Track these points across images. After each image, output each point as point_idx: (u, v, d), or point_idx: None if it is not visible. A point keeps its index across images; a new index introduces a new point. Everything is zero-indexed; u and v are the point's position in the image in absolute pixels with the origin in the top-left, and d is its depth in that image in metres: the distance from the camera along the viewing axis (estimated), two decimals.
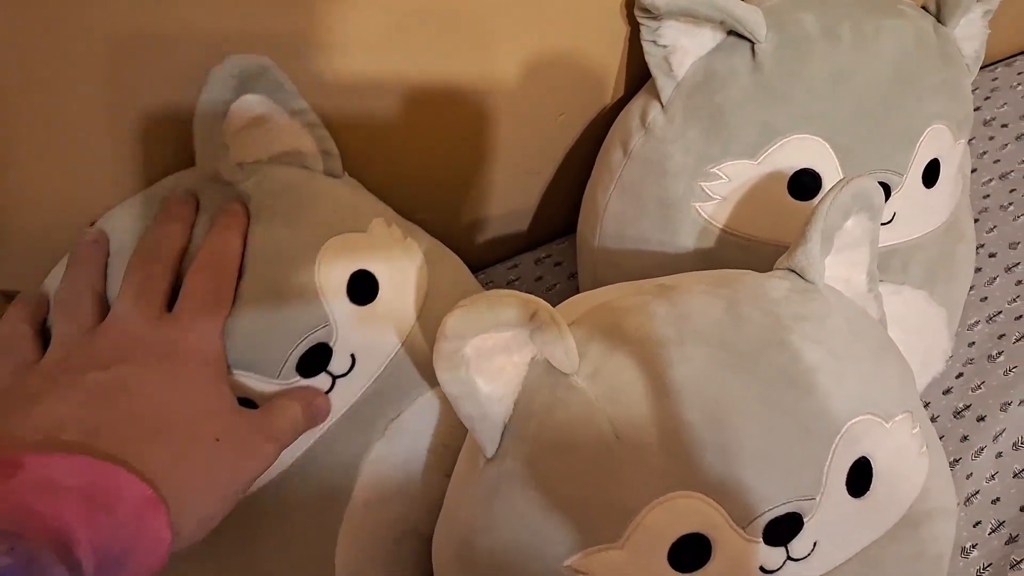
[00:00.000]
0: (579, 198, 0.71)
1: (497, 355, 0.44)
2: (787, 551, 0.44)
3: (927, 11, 0.62)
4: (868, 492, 0.45)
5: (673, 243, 0.61)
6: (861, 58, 0.57)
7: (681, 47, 0.59)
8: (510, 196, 0.76)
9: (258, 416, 0.44)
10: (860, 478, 0.45)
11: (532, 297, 0.42)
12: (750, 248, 0.59)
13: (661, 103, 0.61)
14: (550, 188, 0.77)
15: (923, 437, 0.49)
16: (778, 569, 0.44)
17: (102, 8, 0.45)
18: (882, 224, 0.59)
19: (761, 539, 0.43)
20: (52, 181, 0.51)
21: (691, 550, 0.42)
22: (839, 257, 0.50)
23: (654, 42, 0.60)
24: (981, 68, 0.95)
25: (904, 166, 0.58)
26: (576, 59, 0.66)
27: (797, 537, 0.43)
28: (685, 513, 0.42)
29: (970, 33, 0.63)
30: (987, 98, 0.94)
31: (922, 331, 0.64)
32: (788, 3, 0.59)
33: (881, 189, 0.49)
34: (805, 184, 0.58)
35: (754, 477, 0.42)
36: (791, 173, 0.58)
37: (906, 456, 0.48)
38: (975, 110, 0.94)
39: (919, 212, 0.61)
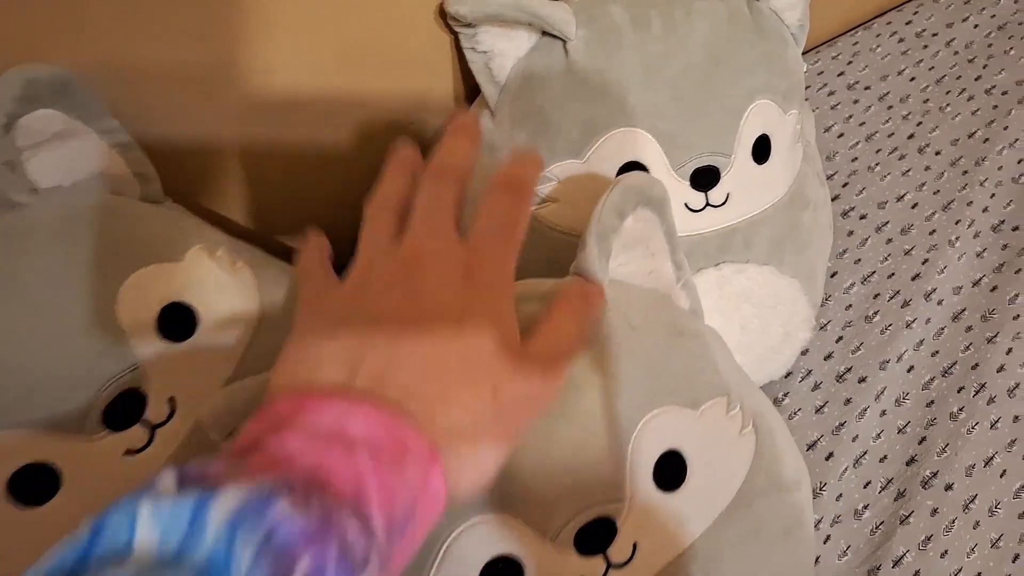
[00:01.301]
0: None
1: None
2: (606, 559, 0.44)
3: None
4: (683, 484, 0.45)
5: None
6: (672, 45, 0.57)
7: (499, 51, 0.59)
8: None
9: (535, 353, 0.35)
10: (671, 472, 0.45)
11: None
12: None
13: (490, 110, 0.61)
14: None
15: (746, 418, 0.49)
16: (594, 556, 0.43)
17: None
18: (716, 206, 0.60)
19: (573, 547, 0.42)
20: None
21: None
22: (633, 252, 0.50)
23: (473, 49, 0.60)
24: (842, 34, 0.97)
25: (731, 146, 0.59)
26: (409, 79, 0.66)
27: (614, 543, 0.43)
28: (490, 536, 0.41)
29: (790, 2, 0.64)
30: (849, 62, 0.96)
31: (776, 303, 0.64)
32: None
33: (658, 182, 0.49)
34: None
35: (548, 490, 0.42)
36: (617, 167, 0.58)
37: (723, 442, 0.48)
38: (839, 76, 0.95)
39: (754, 189, 0.61)
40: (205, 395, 0.49)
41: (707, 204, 0.59)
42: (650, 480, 0.44)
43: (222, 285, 0.51)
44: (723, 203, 0.60)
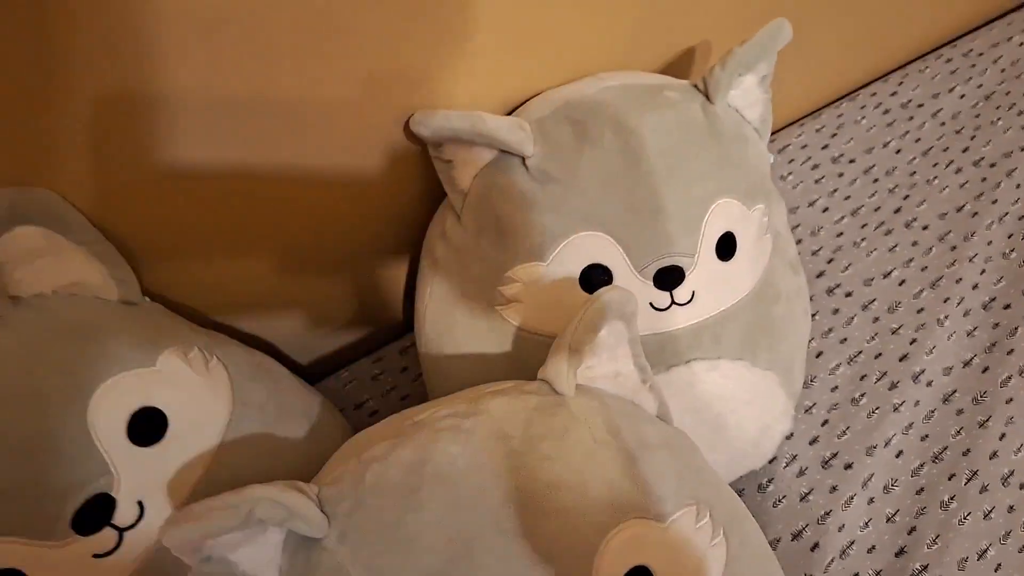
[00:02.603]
0: None
1: (245, 540, 0.44)
2: None
3: (698, 89, 0.63)
4: None
5: (484, 348, 0.62)
6: (626, 159, 0.58)
7: (461, 162, 0.61)
8: (359, 307, 0.77)
9: None
10: None
11: (250, 495, 0.42)
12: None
13: (457, 215, 0.63)
14: (395, 289, 0.78)
15: (716, 527, 0.49)
16: None
17: None
18: (682, 304, 0.60)
19: None
20: None
21: None
22: (601, 358, 0.51)
23: (439, 158, 0.62)
24: (827, 105, 0.97)
25: (693, 247, 0.59)
26: (385, 183, 0.68)
27: None
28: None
29: (749, 101, 0.64)
30: (834, 135, 0.96)
31: (752, 400, 0.64)
32: (555, 114, 0.61)
33: (633, 296, 0.50)
34: (596, 278, 0.59)
35: None
36: (580, 269, 0.58)
37: (691, 556, 0.47)
38: (823, 149, 0.95)
39: (720, 286, 0.61)
40: (175, 497, 0.50)
41: (672, 303, 0.59)
42: None
43: (194, 387, 0.53)
44: (688, 301, 0.60)
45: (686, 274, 0.59)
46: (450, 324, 0.64)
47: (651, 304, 0.59)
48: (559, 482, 0.45)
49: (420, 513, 0.44)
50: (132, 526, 0.48)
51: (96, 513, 0.47)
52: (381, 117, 0.62)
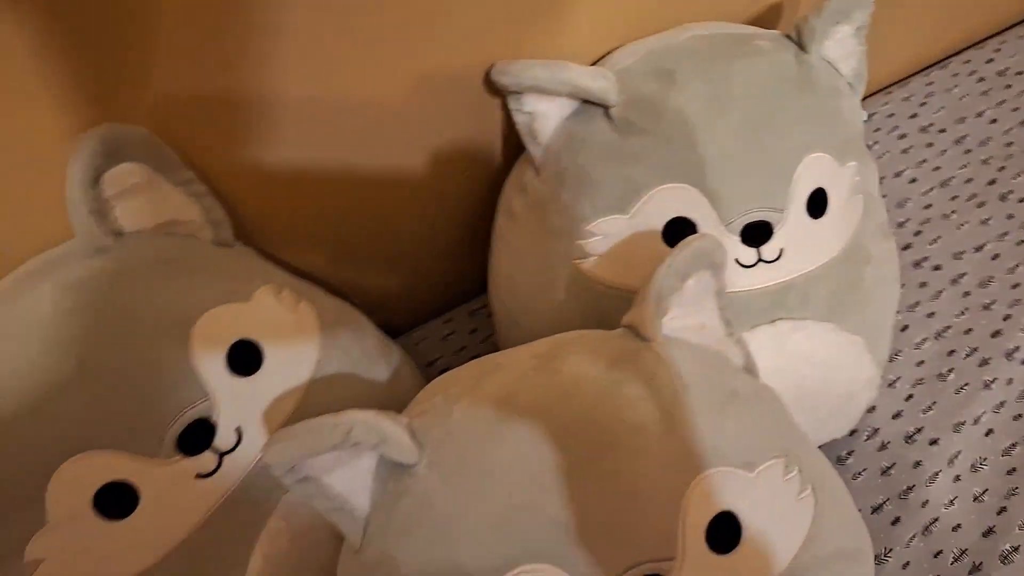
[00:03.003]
0: None
1: (339, 462, 0.45)
2: None
3: (791, 39, 0.61)
4: (736, 548, 0.44)
5: (561, 302, 0.61)
6: (714, 108, 0.57)
7: (542, 114, 0.60)
8: (430, 265, 0.77)
9: None
10: (724, 535, 0.44)
11: (349, 418, 0.43)
12: (632, 301, 0.58)
13: (535, 167, 0.62)
14: (471, 248, 0.78)
15: (804, 481, 0.47)
16: None
17: None
18: (770, 261, 0.58)
19: None
20: None
21: None
22: (686, 309, 0.50)
23: (519, 111, 0.61)
24: (915, 73, 0.93)
25: (783, 201, 0.57)
26: (461, 134, 0.67)
27: None
28: None
29: (844, 53, 0.62)
30: (923, 104, 0.92)
31: (838, 363, 0.61)
32: (639, 63, 0.59)
33: (722, 245, 0.49)
34: (679, 232, 0.57)
35: (595, 547, 0.42)
36: (664, 222, 0.57)
37: (779, 504, 0.46)
38: (912, 118, 0.91)
39: (810, 244, 0.59)
40: (270, 426, 0.53)
41: (759, 260, 0.58)
42: (703, 541, 0.43)
43: (286, 324, 0.56)
44: (776, 258, 0.58)
45: (774, 230, 0.57)
46: (526, 277, 0.63)
47: (737, 260, 0.57)
48: (645, 424, 0.45)
49: (506, 445, 0.44)
50: (230, 451, 0.51)
51: (199, 436, 0.50)
52: (465, 71, 0.62)
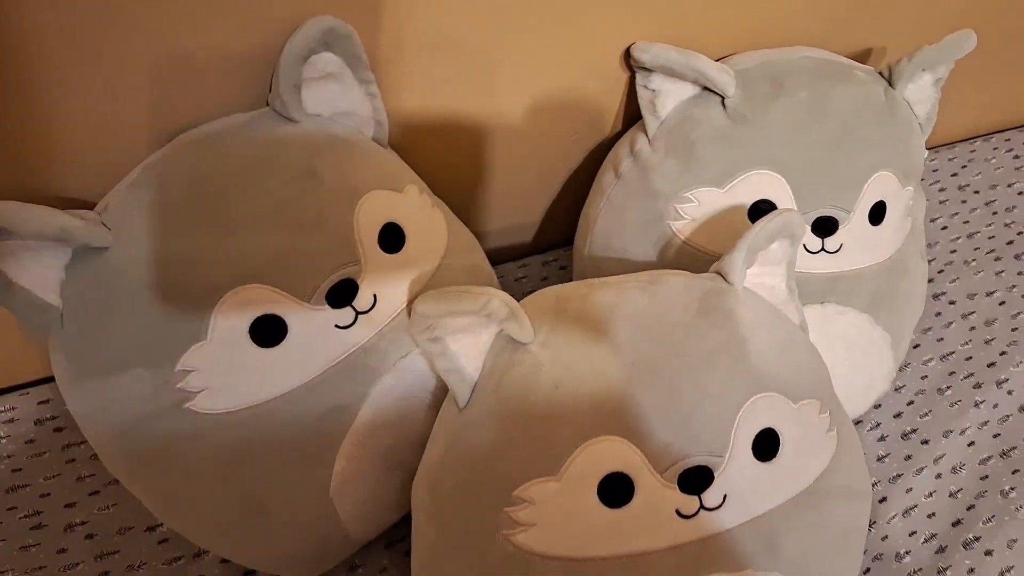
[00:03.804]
0: (577, 212, 0.82)
1: (465, 329, 0.54)
2: (700, 501, 0.53)
3: (882, 76, 0.72)
4: (774, 459, 0.54)
5: (648, 254, 0.71)
6: (814, 114, 0.68)
7: (665, 92, 0.71)
8: (521, 208, 0.88)
9: None
10: (766, 445, 0.54)
11: (488, 292, 0.52)
12: (711, 262, 0.68)
13: (648, 137, 0.72)
14: (555, 203, 0.89)
15: (832, 423, 0.58)
16: (692, 515, 0.53)
17: None
18: (830, 252, 0.69)
19: (676, 486, 0.52)
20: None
21: (616, 487, 0.52)
22: (764, 269, 0.61)
23: (645, 87, 0.72)
24: (962, 141, 1.05)
25: (851, 204, 0.68)
26: (583, 98, 0.78)
27: (709, 488, 0.53)
28: (611, 454, 0.52)
29: (921, 97, 0.73)
30: (964, 167, 1.04)
31: (867, 350, 0.73)
32: (757, 69, 0.70)
33: (803, 222, 0.59)
34: (762, 211, 0.67)
35: (668, 431, 0.52)
36: (752, 202, 0.68)
37: (811, 434, 0.57)
38: (952, 176, 1.03)
39: (864, 246, 0.70)
40: (400, 298, 0.61)
41: (822, 249, 0.69)
42: (749, 447, 0.53)
43: (426, 217, 0.64)
44: (836, 251, 0.69)
45: (839, 226, 0.68)
46: (620, 228, 0.73)
47: (804, 245, 0.68)
48: (722, 347, 0.55)
49: (611, 337, 0.54)
50: (366, 312, 0.59)
51: (344, 293, 0.58)
52: (605, 51, 0.73)
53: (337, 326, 0.58)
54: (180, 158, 0.58)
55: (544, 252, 0.94)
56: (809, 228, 0.68)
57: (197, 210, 0.56)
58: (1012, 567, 0.74)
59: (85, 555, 0.69)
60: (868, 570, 0.74)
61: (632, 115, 0.79)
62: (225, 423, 0.56)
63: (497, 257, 0.91)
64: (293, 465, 0.58)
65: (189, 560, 0.69)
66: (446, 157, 0.76)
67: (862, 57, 0.86)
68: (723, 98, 0.69)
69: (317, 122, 0.62)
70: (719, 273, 0.60)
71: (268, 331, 0.56)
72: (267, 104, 0.62)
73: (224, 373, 0.56)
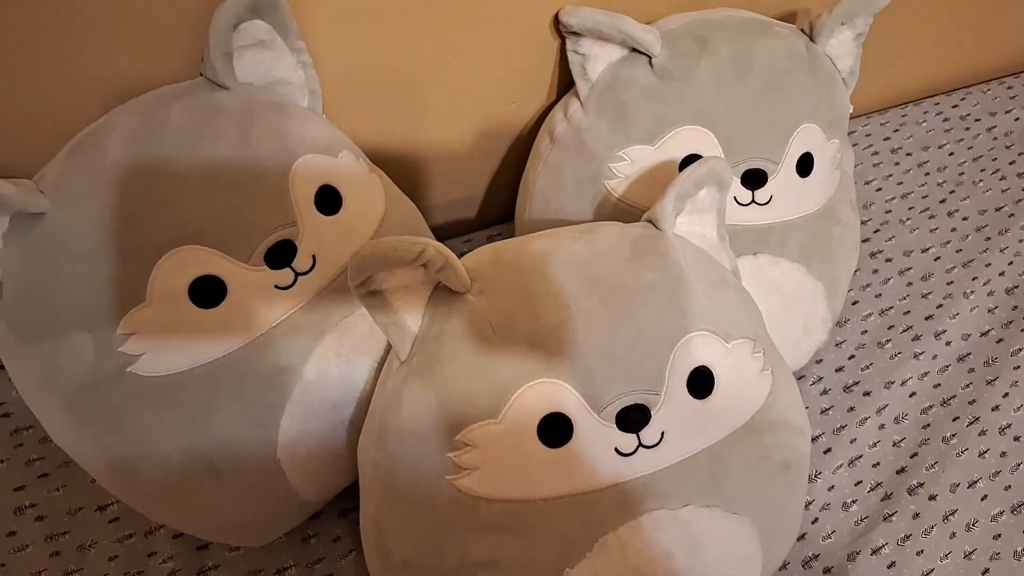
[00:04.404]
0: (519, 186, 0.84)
1: (403, 283, 0.55)
2: (639, 439, 0.54)
3: (803, 32, 0.75)
4: (709, 396, 0.56)
5: (585, 213, 0.73)
6: (737, 70, 0.70)
7: (594, 56, 0.73)
8: (463, 181, 0.89)
9: None
10: (700, 383, 0.56)
11: (423, 241, 0.52)
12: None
13: (580, 100, 0.74)
14: (497, 176, 0.90)
15: (766, 362, 0.60)
16: (631, 453, 0.54)
17: None
18: (761, 204, 0.71)
19: (614, 424, 0.53)
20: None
21: (556, 427, 0.53)
22: (693, 217, 0.63)
23: (575, 51, 0.74)
24: (894, 106, 1.09)
25: (779, 156, 0.70)
26: (519, 67, 0.79)
27: (647, 427, 0.54)
28: (548, 395, 0.53)
29: (843, 51, 0.76)
30: (896, 130, 1.07)
31: (800, 299, 0.75)
32: (682, 28, 0.73)
33: (729, 168, 0.61)
34: None
35: (604, 370, 0.53)
36: (682, 156, 0.70)
37: (746, 373, 0.58)
38: (885, 140, 1.06)
39: (794, 197, 0.72)
40: (338, 260, 0.61)
41: (752, 201, 0.71)
42: (684, 385, 0.55)
43: (362, 184, 0.65)
44: (766, 203, 0.71)
45: (768, 178, 0.70)
46: (557, 191, 0.75)
47: (735, 198, 0.70)
48: (656, 285, 0.56)
49: (546, 283, 0.55)
50: (305, 273, 0.60)
51: (282, 254, 0.58)
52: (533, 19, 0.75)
53: (277, 287, 0.59)
54: (117, 126, 0.59)
55: (489, 227, 0.96)
56: (739, 181, 0.70)
57: (134, 174, 0.56)
58: (955, 510, 0.76)
59: (35, 537, 0.68)
60: (816, 520, 0.76)
61: (566, 82, 0.81)
62: (169, 386, 0.57)
63: (442, 233, 0.93)
64: (239, 427, 0.58)
65: (141, 537, 0.69)
66: (381, 127, 0.77)
67: (787, 19, 0.88)
68: (650, 58, 0.71)
69: (250, 90, 0.63)
70: (650, 221, 0.62)
71: (207, 292, 0.57)
72: (200, 74, 0.63)
73: (165, 335, 0.56)
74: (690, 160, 0.70)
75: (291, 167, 0.60)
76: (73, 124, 0.61)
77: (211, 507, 0.61)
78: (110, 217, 0.55)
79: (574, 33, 0.73)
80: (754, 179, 0.70)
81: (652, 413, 0.54)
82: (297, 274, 0.59)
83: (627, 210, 0.71)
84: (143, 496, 0.60)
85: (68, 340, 0.55)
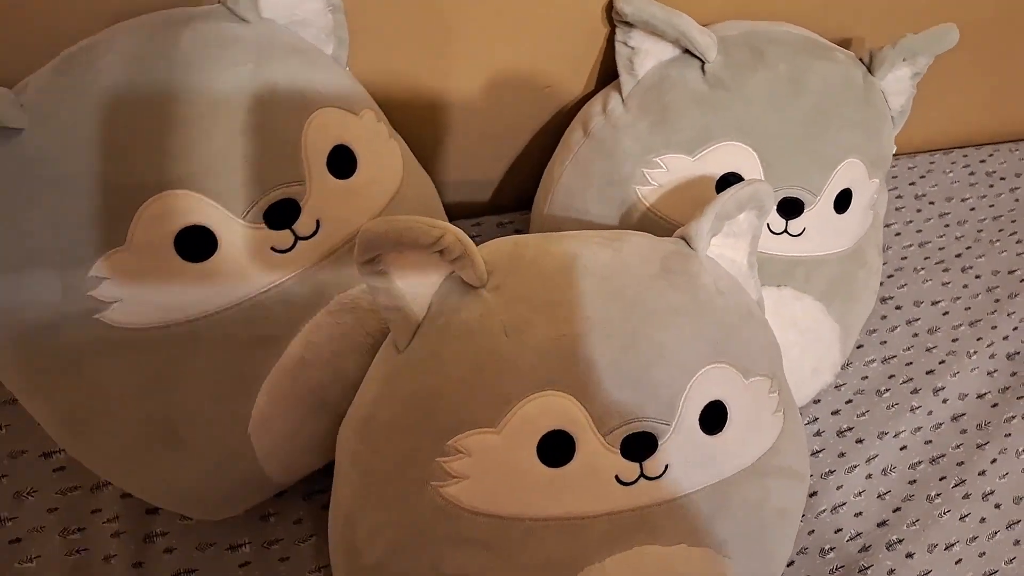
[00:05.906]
0: (540, 175, 0.79)
1: (414, 266, 0.50)
2: (641, 468, 0.50)
3: (861, 62, 0.71)
4: (720, 432, 0.52)
5: (609, 217, 0.69)
6: (791, 88, 0.66)
7: (644, 51, 0.68)
8: (481, 162, 0.84)
9: None
10: (713, 417, 0.52)
11: (443, 226, 0.48)
12: (672, 232, 0.66)
13: (622, 96, 0.70)
14: (517, 162, 0.85)
15: (780, 403, 0.56)
16: (632, 483, 0.50)
17: None
18: (793, 235, 0.67)
19: (619, 450, 0.50)
20: None
21: (557, 446, 0.49)
22: (728, 240, 0.58)
23: (624, 43, 0.69)
24: (922, 152, 1.06)
25: (819, 187, 0.67)
26: (561, 50, 0.75)
27: (651, 457, 0.50)
28: (555, 409, 0.49)
29: (897, 89, 0.72)
30: (922, 177, 1.04)
31: (817, 338, 0.71)
32: (740, 37, 0.68)
33: (772, 194, 0.57)
34: (730, 184, 0.65)
35: (617, 390, 0.49)
36: (720, 173, 0.66)
37: (760, 412, 0.55)
38: (910, 184, 1.04)
39: (828, 232, 0.69)
40: (344, 229, 0.56)
41: (785, 231, 0.67)
42: (696, 418, 0.51)
43: (381, 146, 0.60)
44: (798, 234, 0.67)
45: (804, 209, 0.67)
46: (583, 188, 0.71)
47: (768, 224, 0.67)
48: (682, 308, 0.52)
49: (568, 290, 0.51)
50: (307, 238, 0.55)
51: (284, 214, 0.53)
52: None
53: (274, 249, 0.54)
54: (116, 44, 0.53)
55: (500, 214, 0.91)
56: (775, 208, 0.66)
57: (130, 101, 0.51)
58: (930, 571, 0.74)
59: None
60: (792, 563, 0.73)
61: (607, 74, 0.76)
62: (139, 340, 0.52)
63: (451, 212, 0.88)
64: (211, 394, 0.54)
65: (86, 492, 0.64)
66: (404, 94, 0.73)
67: (842, 46, 0.85)
68: (703, 63, 0.66)
69: (272, 26, 0.58)
70: (683, 238, 0.58)
71: (195, 243, 0.52)
72: (218, 1, 0.57)
73: (142, 285, 0.51)
74: (728, 178, 0.66)
75: (306, 119, 0.55)
76: (68, 35, 0.55)
77: (168, 476, 0.56)
78: (96, 146, 0.50)
79: (626, 23, 0.68)
80: (790, 208, 0.67)
81: (659, 443, 0.51)
82: (297, 238, 0.54)
83: (656, 221, 0.67)
84: (93, 454, 0.55)
85: (32, 274, 0.50)
